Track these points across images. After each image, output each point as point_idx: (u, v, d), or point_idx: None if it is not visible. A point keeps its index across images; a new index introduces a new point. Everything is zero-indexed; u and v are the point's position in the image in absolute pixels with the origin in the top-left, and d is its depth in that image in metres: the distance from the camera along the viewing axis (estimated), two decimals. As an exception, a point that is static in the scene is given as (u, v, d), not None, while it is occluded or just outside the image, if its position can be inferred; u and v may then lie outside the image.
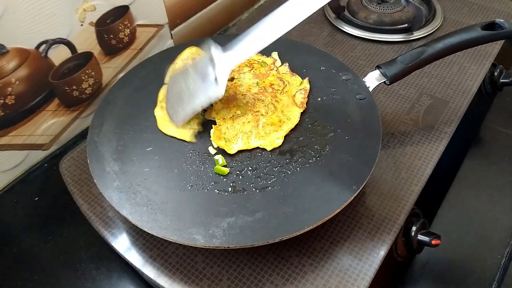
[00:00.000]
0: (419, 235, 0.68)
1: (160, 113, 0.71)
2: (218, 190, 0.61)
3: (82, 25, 0.75)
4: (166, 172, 0.63)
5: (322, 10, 1.10)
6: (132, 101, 0.72)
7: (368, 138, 0.66)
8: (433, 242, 0.67)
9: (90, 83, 0.82)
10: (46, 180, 0.78)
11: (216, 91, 0.61)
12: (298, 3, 0.55)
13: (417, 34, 0.98)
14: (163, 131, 0.68)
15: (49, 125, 0.78)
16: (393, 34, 0.97)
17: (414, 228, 0.69)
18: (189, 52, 0.77)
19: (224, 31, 1.08)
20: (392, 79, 0.71)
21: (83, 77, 0.80)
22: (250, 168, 0.64)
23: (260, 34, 0.58)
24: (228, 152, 0.65)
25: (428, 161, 0.74)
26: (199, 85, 0.63)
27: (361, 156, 0.64)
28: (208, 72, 0.62)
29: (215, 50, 0.62)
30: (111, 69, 0.86)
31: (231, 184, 0.62)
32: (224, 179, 0.62)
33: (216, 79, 0.61)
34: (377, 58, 0.93)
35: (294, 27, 0.56)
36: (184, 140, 0.66)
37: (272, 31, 0.56)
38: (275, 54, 0.81)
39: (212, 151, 0.66)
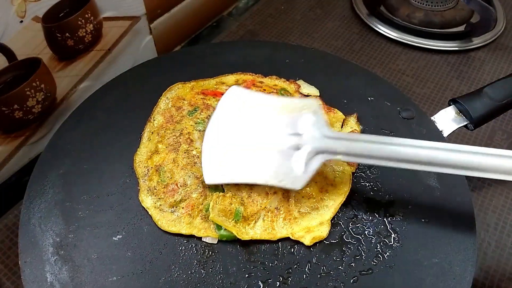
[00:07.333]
0: None
1: (150, 200, 0.47)
2: (230, 322, 0.38)
3: (22, 21, 0.60)
4: (144, 284, 0.40)
5: (350, 3, 0.86)
6: (91, 150, 0.52)
7: (457, 221, 0.45)
8: None
9: (39, 99, 0.66)
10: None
11: (297, 181, 0.44)
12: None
13: (477, 42, 0.75)
14: (167, 230, 0.45)
15: (-18, 158, 0.63)
16: (444, 40, 0.79)
17: None
18: (170, 97, 0.56)
19: (217, 23, 0.90)
20: (478, 122, 0.53)
21: (27, 92, 0.64)
22: (279, 277, 0.41)
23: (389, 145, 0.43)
24: (240, 237, 0.44)
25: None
26: (279, 159, 0.45)
27: (448, 254, 0.43)
28: (297, 150, 0.45)
29: (316, 129, 0.45)
30: (68, 79, 0.70)
31: (251, 309, 0.39)
32: (240, 299, 0.39)
33: (305, 165, 0.44)
34: (429, 74, 0.75)
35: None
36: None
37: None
38: (300, 82, 0.58)
39: (211, 240, 0.45)
